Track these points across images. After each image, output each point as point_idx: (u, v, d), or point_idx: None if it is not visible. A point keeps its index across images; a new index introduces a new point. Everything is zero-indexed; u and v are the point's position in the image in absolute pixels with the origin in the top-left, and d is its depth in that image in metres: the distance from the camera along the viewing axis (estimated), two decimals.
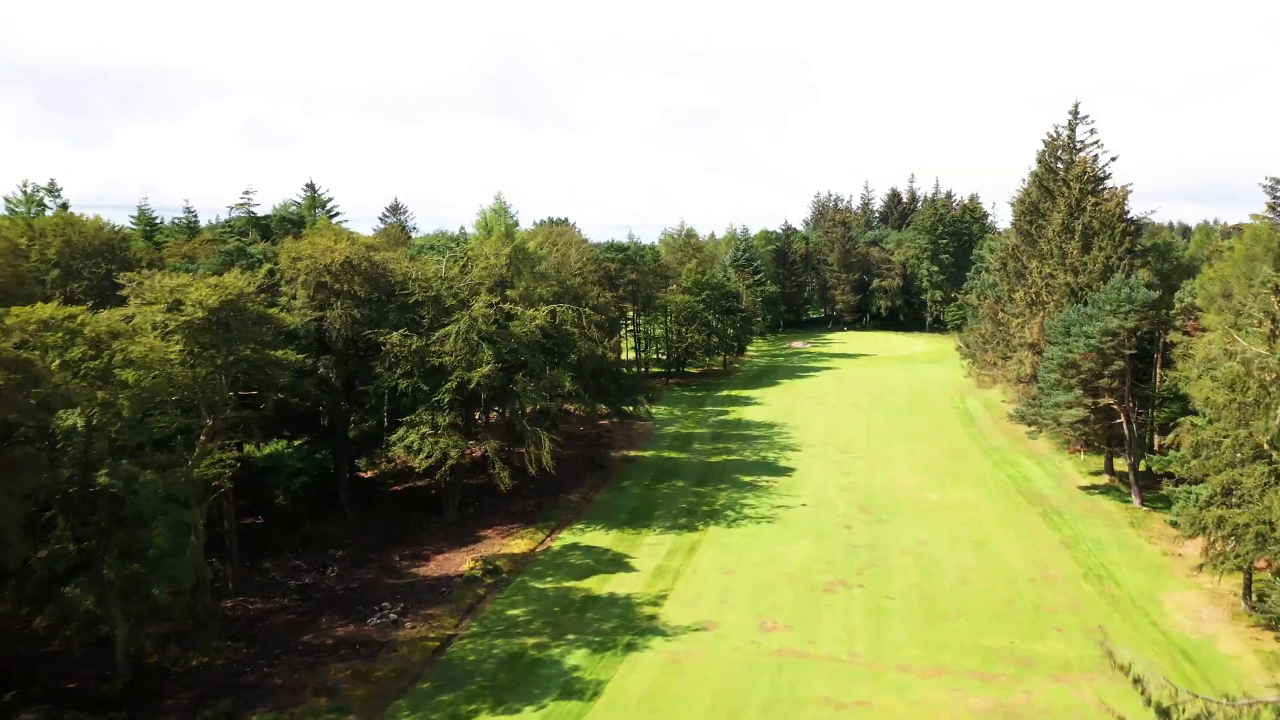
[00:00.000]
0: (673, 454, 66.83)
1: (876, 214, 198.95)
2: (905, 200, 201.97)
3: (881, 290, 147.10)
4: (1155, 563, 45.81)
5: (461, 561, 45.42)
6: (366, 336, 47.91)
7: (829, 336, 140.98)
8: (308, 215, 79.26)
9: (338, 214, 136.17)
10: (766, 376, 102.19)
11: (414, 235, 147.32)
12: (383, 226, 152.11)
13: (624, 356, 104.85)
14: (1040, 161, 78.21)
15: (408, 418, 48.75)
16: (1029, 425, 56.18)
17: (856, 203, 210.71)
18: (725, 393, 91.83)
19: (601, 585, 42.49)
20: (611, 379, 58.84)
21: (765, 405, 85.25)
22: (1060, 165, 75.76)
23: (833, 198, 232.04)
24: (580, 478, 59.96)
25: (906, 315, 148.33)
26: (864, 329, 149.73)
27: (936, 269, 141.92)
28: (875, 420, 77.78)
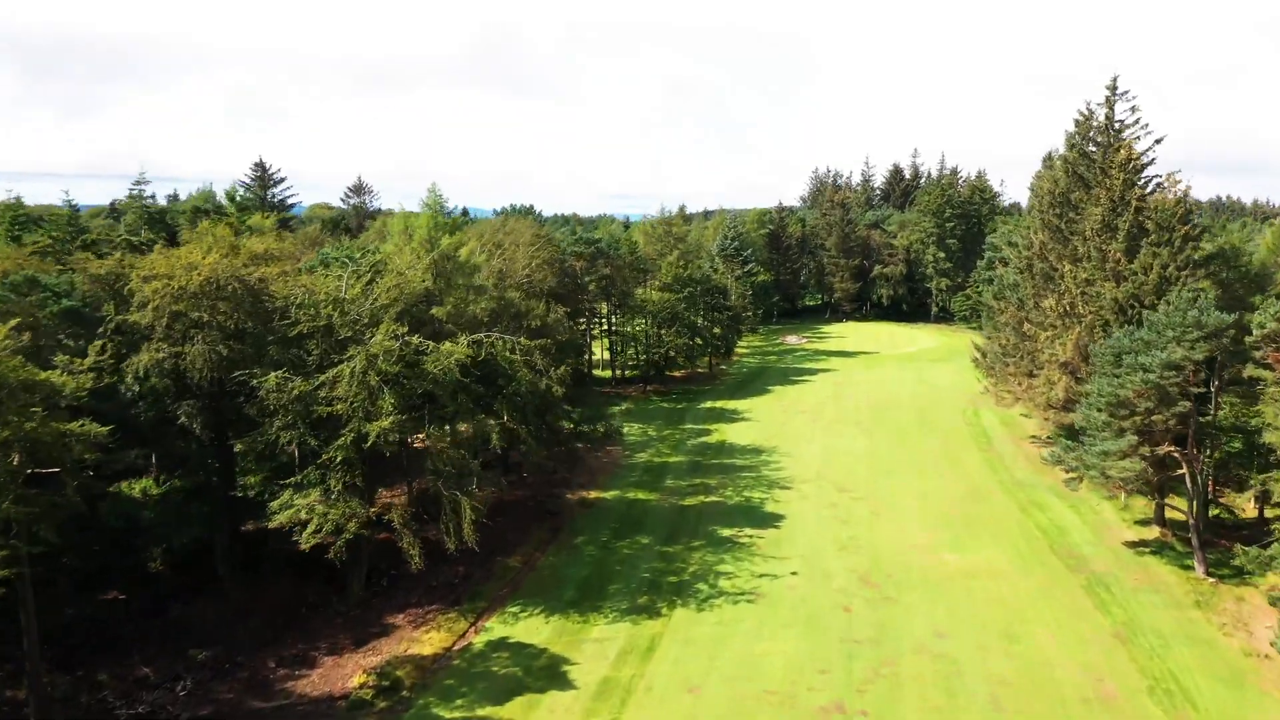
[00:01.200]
0: (640, 494, 56.80)
1: (878, 191, 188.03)
2: (908, 177, 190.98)
3: (883, 278, 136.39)
4: (1236, 667, 36.03)
5: (353, 670, 35.56)
6: (238, 379, 37.66)
7: (826, 329, 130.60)
8: (229, 207, 68.51)
9: (291, 196, 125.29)
10: (756, 381, 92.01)
11: (384, 214, 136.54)
12: (344, 207, 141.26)
13: (597, 355, 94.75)
14: (1071, 145, 67.67)
15: (291, 479, 38.75)
16: (1068, 473, 46.18)
17: (857, 179, 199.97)
18: (708, 404, 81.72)
19: (526, 713, 32.66)
20: (564, 413, 48.73)
21: (753, 421, 75.22)
22: (1094, 149, 65.36)
23: (831, 174, 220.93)
24: (526, 530, 50.00)
25: (910, 304, 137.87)
26: (864, 319, 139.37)
27: (943, 255, 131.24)
28: (879, 443, 67.78)
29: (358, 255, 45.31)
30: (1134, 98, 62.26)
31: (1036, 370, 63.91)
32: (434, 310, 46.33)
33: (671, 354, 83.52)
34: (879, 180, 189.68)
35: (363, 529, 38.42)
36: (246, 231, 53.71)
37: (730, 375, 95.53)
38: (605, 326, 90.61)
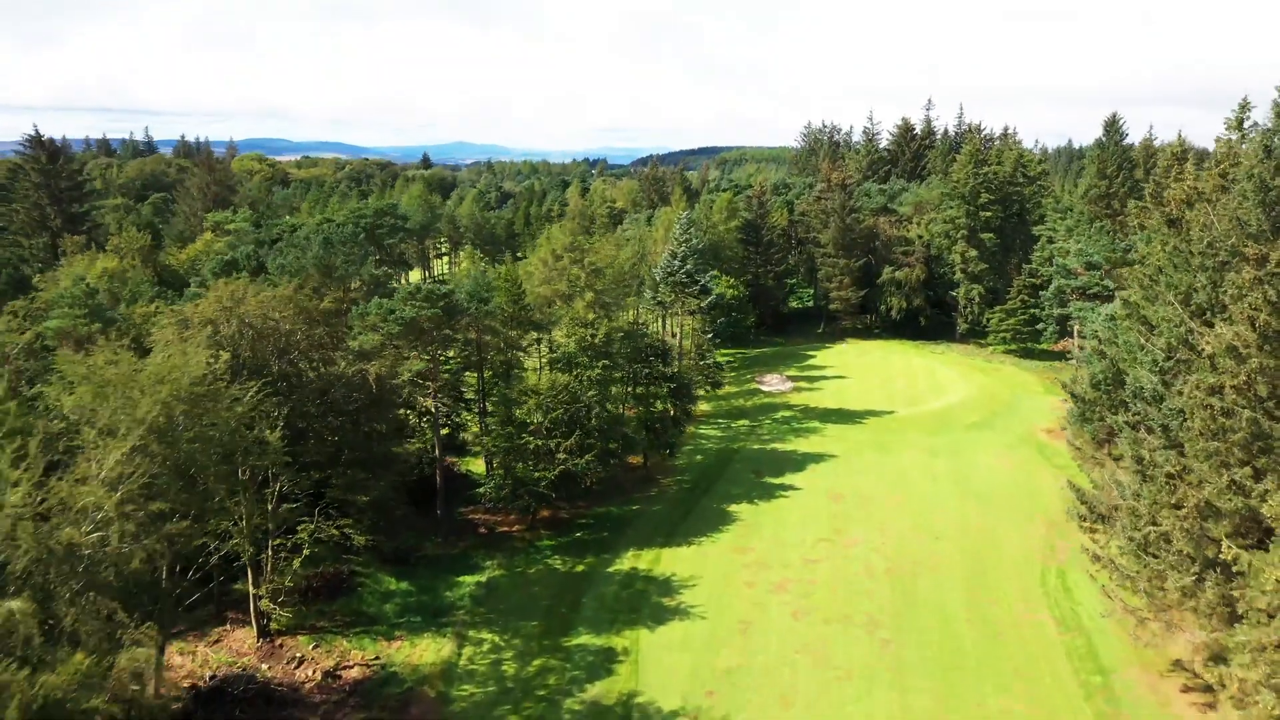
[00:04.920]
0: None
1: (884, 154, 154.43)
2: (920, 134, 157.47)
3: (894, 284, 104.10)
4: None
5: None
6: None
7: (821, 357, 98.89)
8: None
9: (85, 173, 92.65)
10: (712, 489, 60.97)
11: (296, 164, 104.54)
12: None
13: (471, 434, 63.53)
14: None
15: None
16: None
17: (858, 135, 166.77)
18: (629, 558, 50.88)
19: None
20: None
21: (694, 615, 44.53)
22: None
23: (828, 129, 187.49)
24: None
25: (929, 317, 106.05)
26: (870, 336, 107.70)
27: (975, 253, 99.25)
28: (915, 708, 37.25)
29: None
30: None
31: (1211, 595, 33.35)
32: None
33: (576, 472, 52.09)
34: (885, 140, 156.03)
35: None
36: None
37: (676, 472, 64.37)
38: (478, 408, 59.17)
